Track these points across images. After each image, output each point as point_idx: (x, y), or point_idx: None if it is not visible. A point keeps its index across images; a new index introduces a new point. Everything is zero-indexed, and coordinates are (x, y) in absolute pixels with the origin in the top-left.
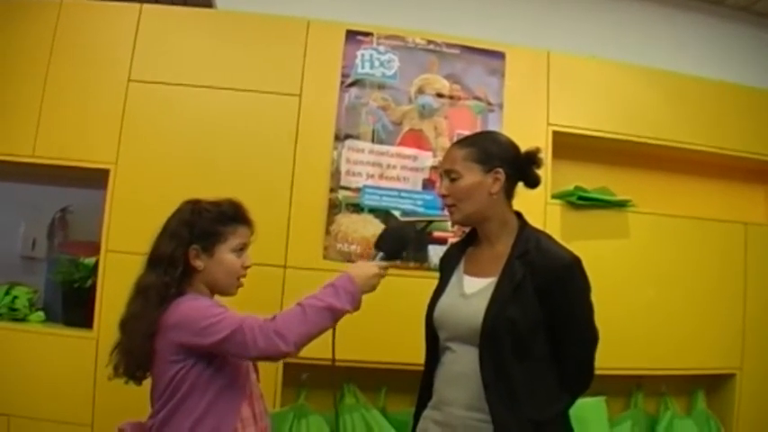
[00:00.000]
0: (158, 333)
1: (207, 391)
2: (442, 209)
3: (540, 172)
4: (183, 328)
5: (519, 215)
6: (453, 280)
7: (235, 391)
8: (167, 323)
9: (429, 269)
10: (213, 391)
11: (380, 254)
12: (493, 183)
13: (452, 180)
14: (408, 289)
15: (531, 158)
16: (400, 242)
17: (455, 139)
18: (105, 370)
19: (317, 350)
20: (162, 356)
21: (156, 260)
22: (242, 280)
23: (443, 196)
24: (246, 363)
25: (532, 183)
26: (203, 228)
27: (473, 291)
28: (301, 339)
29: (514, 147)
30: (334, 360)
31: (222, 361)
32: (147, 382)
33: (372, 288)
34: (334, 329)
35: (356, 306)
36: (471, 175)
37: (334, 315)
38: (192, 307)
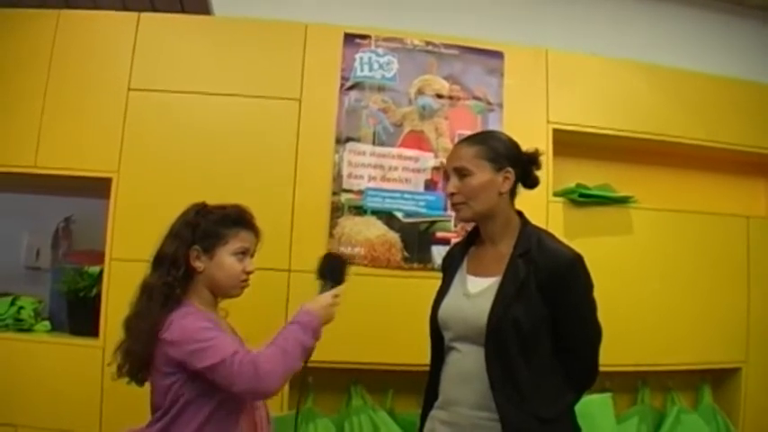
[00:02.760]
0: (156, 341)
1: (204, 405)
2: (446, 209)
3: (539, 173)
4: (174, 346)
5: (520, 214)
6: (456, 280)
7: (233, 404)
8: (162, 335)
9: (433, 269)
10: (211, 405)
11: (328, 282)
12: (503, 182)
13: (462, 177)
14: (413, 290)
15: (533, 160)
16: (341, 267)
17: (456, 140)
18: (112, 379)
19: (324, 353)
20: (157, 366)
21: (159, 260)
22: (245, 284)
23: (452, 194)
24: None
25: (531, 184)
26: (205, 229)
27: (477, 290)
28: (282, 382)
29: (518, 147)
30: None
31: None
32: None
33: (331, 317)
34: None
35: (318, 339)
36: (482, 173)
37: (305, 353)
38: (184, 328)
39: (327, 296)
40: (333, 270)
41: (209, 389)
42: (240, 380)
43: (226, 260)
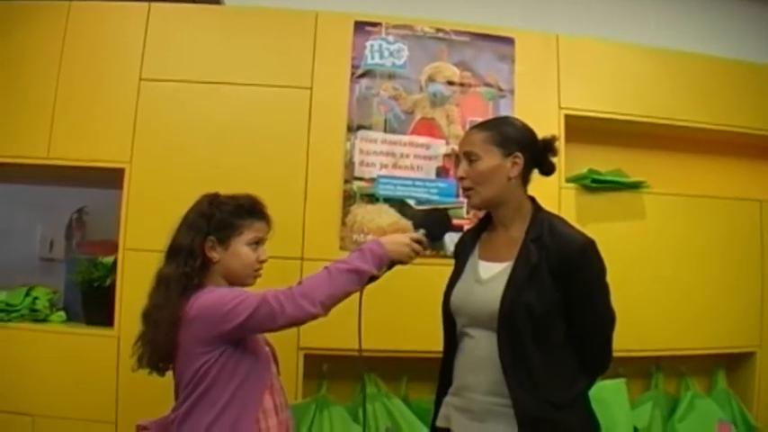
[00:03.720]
0: (181, 326)
1: (229, 382)
2: (458, 195)
3: (554, 160)
4: (208, 317)
5: (533, 200)
6: (468, 266)
7: (256, 382)
8: (189, 316)
9: (446, 256)
10: (236, 382)
11: (422, 230)
12: (511, 167)
13: (471, 162)
14: (426, 276)
15: (548, 146)
16: (439, 226)
17: (467, 127)
18: (128, 367)
19: (338, 340)
20: (186, 350)
21: (175, 251)
22: (259, 272)
23: (461, 179)
24: (266, 354)
25: (547, 170)
26: (220, 220)
27: (489, 276)
28: (328, 300)
29: (532, 133)
30: (360, 350)
31: (244, 351)
32: (170, 375)
33: (402, 257)
34: (360, 319)
35: (381, 269)
36: (490, 158)
37: (360, 277)
38: (212, 297)
39: (405, 236)
40: (431, 223)
41: (233, 368)
42: (281, 311)
43: (241, 250)
